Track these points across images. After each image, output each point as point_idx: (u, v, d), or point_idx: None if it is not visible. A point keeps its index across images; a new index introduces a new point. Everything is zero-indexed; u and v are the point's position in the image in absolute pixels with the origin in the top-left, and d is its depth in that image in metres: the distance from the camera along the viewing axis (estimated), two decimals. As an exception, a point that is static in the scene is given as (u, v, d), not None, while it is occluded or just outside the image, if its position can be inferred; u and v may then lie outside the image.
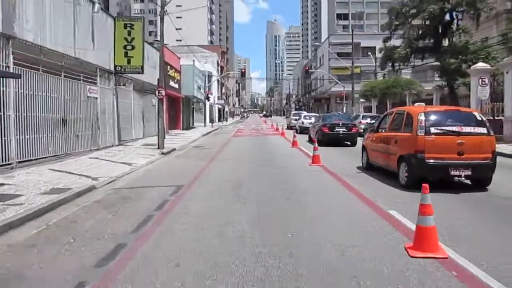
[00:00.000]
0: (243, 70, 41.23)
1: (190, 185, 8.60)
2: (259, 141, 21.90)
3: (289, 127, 33.24)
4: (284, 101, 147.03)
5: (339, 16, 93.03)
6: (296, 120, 30.89)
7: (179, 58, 33.71)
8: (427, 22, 23.91)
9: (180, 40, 59.04)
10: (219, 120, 64.09)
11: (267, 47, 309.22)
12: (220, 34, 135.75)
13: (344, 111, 43.11)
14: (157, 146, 16.84)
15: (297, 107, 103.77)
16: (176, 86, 31.29)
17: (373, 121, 23.15)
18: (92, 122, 15.46)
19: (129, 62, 17.74)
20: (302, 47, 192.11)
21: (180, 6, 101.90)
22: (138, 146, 17.93)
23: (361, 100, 41.18)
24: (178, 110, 33.02)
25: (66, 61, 13.12)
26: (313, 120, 26.64)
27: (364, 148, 10.83)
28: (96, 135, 15.85)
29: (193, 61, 41.83)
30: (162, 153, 15.71)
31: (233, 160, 13.38)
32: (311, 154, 12.43)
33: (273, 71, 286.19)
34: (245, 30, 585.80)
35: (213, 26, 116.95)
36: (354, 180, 8.95)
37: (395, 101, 32.85)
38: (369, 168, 10.30)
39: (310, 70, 46.66)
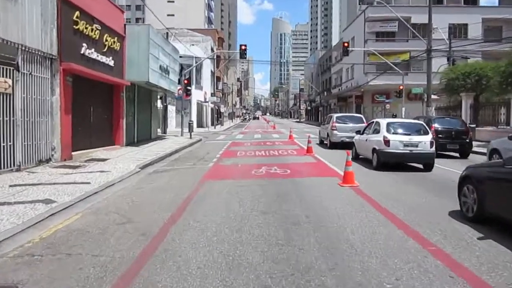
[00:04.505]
0: (243, 47, 25.69)
1: None
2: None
3: (330, 143, 17.18)
4: (292, 101, 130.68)
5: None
6: (362, 135, 12.94)
7: (123, 13, 18.05)
8: None
9: (173, 28, 44.34)
10: (212, 124, 48.41)
11: (272, 45, 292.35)
12: (222, 28, 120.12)
13: (403, 113, 27.39)
14: None
15: (309, 108, 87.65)
16: (110, 62, 15.71)
17: None
18: None
19: None
20: (311, 43, 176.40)
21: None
22: None
23: (434, 96, 25.46)
24: (116, 110, 17.32)
25: None
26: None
27: None
28: None
29: (163, 35, 26.36)
30: None
31: None
32: None
33: (278, 71, 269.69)
34: (248, 32, 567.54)
35: (212, 13, 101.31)
36: None
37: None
38: None
39: (350, 49, 30.91)
